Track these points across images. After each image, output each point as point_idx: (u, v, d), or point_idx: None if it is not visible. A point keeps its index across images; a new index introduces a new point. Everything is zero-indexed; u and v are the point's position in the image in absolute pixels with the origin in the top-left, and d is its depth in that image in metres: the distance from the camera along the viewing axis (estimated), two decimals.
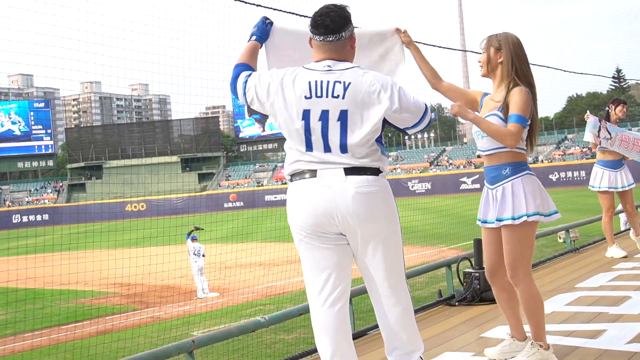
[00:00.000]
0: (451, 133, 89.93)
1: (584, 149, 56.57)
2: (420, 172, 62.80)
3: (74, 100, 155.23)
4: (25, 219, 63.19)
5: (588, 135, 7.19)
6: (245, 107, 3.29)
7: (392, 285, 3.10)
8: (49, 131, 78.21)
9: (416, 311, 5.55)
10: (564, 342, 4.19)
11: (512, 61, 3.63)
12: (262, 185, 69.39)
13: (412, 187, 57.80)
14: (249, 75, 3.15)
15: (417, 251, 16.61)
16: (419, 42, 3.90)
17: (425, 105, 3.15)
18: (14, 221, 61.48)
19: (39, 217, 63.05)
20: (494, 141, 3.63)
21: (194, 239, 16.27)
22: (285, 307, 7.24)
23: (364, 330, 4.99)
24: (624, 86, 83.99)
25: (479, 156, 3.95)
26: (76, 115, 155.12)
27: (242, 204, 61.51)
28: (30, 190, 75.87)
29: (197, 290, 15.79)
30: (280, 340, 8.70)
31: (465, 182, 54.85)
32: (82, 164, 77.69)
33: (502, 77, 3.66)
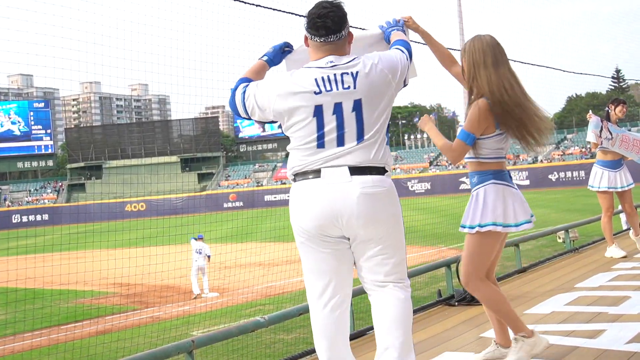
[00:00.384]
0: (450, 133, 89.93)
1: (584, 149, 56.56)
2: (419, 172, 62.82)
3: (73, 100, 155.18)
4: (25, 219, 63.18)
5: (590, 135, 7.21)
6: (245, 118, 3.21)
7: (395, 285, 3.05)
8: (48, 131, 78.20)
9: (416, 311, 5.57)
10: (563, 342, 4.19)
11: (471, 69, 3.53)
12: (261, 185, 69.38)
13: (412, 187, 57.82)
14: (247, 85, 3.10)
15: (417, 251, 16.61)
16: (418, 42, 3.90)
17: (408, 52, 3.18)
18: (13, 221, 61.44)
19: (38, 217, 63.04)
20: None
21: (199, 238, 16.29)
22: (285, 307, 7.24)
23: (363, 330, 5.00)
24: (624, 86, 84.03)
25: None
26: (76, 115, 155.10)
27: (241, 204, 61.51)
28: (30, 190, 75.85)
29: (192, 288, 15.83)
30: (279, 340, 8.69)
31: (464, 183, 54.72)
32: (81, 164, 77.69)
33: (467, 88, 3.60)
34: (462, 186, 53.96)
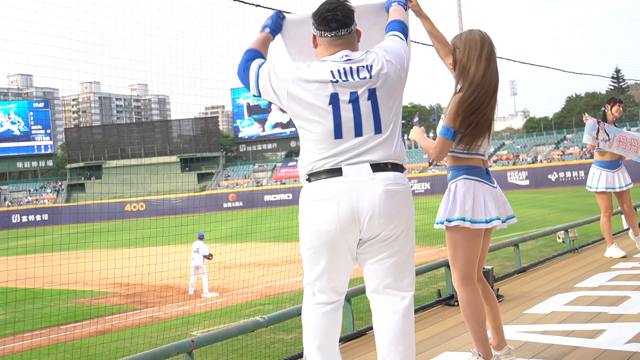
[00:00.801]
0: None
1: (583, 149, 56.58)
2: (419, 172, 62.84)
3: (73, 100, 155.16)
4: (24, 219, 63.16)
5: (586, 138, 7.21)
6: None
7: (401, 294, 2.97)
8: (48, 131, 78.20)
9: (416, 311, 5.57)
10: (563, 342, 4.19)
11: (464, 62, 3.51)
12: (261, 185, 69.38)
13: (412, 187, 57.78)
14: (262, 63, 3.02)
15: (417, 251, 16.59)
16: (418, 42, 3.90)
17: (406, 38, 3.19)
18: (13, 221, 61.44)
19: (38, 217, 63.00)
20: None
21: (200, 237, 16.33)
22: (285, 307, 7.24)
23: (363, 330, 5.00)
24: (623, 86, 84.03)
25: None
26: (75, 115, 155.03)
27: (241, 204, 61.55)
28: (29, 190, 75.86)
29: (188, 288, 15.87)
30: (279, 340, 8.70)
31: None
32: (81, 164, 77.71)
33: (455, 80, 3.59)
34: None
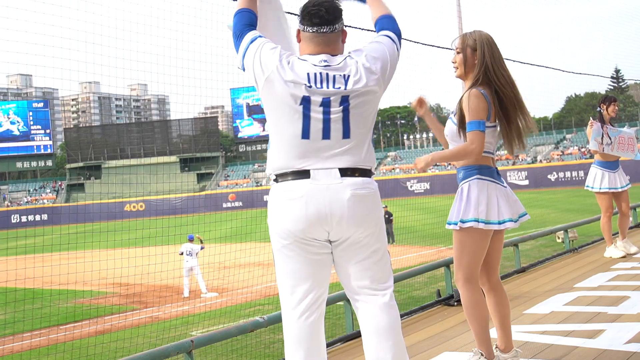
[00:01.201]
0: None
1: (583, 149, 56.59)
2: (419, 172, 62.78)
3: (72, 100, 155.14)
4: (24, 219, 63.15)
5: (593, 144, 7.22)
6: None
7: (379, 293, 2.93)
8: (47, 131, 78.22)
9: (415, 311, 5.58)
10: (562, 342, 4.19)
11: (488, 62, 3.52)
12: (260, 185, 69.38)
13: (411, 187, 57.87)
14: (254, 39, 2.96)
15: (416, 251, 16.62)
16: (417, 42, 3.89)
17: (399, 40, 3.12)
18: (12, 221, 61.45)
19: (37, 217, 62.98)
20: (452, 145, 3.64)
21: (190, 239, 16.35)
22: None
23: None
24: (623, 86, 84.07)
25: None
26: (75, 115, 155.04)
27: (240, 204, 61.51)
28: (29, 190, 75.84)
29: (183, 290, 15.90)
30: (279, 340, 8.69)
31: None
32: (80, 164, 77.71)
33: (473, 79, 3.57)
34: None
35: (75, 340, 10.81)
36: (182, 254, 16.19)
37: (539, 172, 53.72)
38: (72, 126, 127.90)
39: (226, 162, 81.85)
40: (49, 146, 77.88)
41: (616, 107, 7.45)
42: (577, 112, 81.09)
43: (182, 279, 16.10)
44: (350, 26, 3.08)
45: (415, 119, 72.41)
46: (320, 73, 2.85)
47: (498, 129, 3.60)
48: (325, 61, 2.89)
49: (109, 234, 14.29)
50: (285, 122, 2.86)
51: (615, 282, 6.07)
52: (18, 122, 76.41)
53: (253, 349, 8.32)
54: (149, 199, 55.24)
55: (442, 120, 3.90)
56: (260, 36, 2.98)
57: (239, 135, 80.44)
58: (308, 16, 2.92)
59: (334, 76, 2.86)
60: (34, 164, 78.23)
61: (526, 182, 53.18)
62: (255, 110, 76.54)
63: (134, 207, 58.54)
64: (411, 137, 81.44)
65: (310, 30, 2.93)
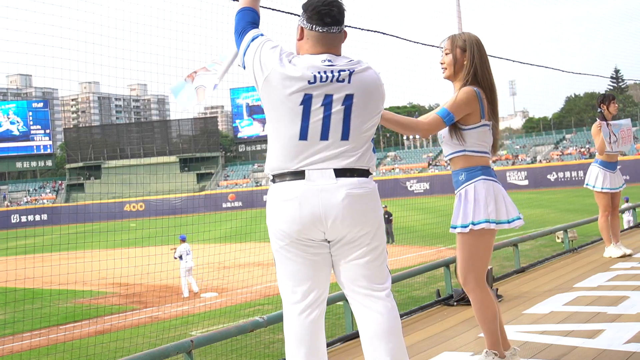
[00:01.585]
0: None
1: (582, 149, 56.62)
2: (418, 172, 62.85)
3: (72, 100, 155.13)
4: (23, 219, 63.16)
5: (607, 146, 7.20)
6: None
7: (377, 294, 2.92)
8: (47, 131, 78.21)
9: (415, 311, 5.58)
10: (562, 342, 4.20)
11: (477, 64, 3.55)
12: (260, 185, 69.38)
13: (411, 187, 57.86)
14: (255, 37, 2.94)
15: (416, 251, 16.63)
16: (417, 42, 3.90)
17: None
18: (12, 221, 61.45)
19: (37, 217, 63.00)
20: (450, 146, 3.62)
21: (183, 240, 16.36)
22: None
23: None
24: (622, 86, 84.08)
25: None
26: (75, 115, 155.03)
27: (240, 204, 61.53)
28: (28, 190, 75.84)
29: (183, 291, 15.90)
30: (278, 340, 8.70)
31: None
32: (80, 164, 77.71)
33: (462, 80, 3.58)
34: None
35: (75, 340, 10.81)
36: (180, 257, 16.17)
37: (538, 172, 53.72)
38: (71, 126, 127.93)
39: (226, 162, 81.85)
40: (48, 146, 77.88)
41: (616, 105, 7.45)
42: (576, 112, 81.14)
43: (181, 279, 16.13)
44: (349, 26, 3.05)
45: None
46: (325, 71, 2.82)
47: (488, 127, 3.59)
48: (329, 60, 2.87)
49: (109, 234, 14.27)
50: (284, 122, 2.84)
51: (615, 282, 6.07)
52: (18, 122, 76.42)
53: (253, 348, 8.33)
54: (148, 199, 55.27)
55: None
56: (261, 35, 2.96)
57: (239, 135, 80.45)
58: (318, 15, 2.89)
59: (339, 71, 2.84)
60: (33, 164, 78.23)
61: (526, 182, 53.20)
62: (255, 110, 76.53)
63: (133, 207, 58.54)
64: (411, 137, 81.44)
65: (320, 30, 2.90)
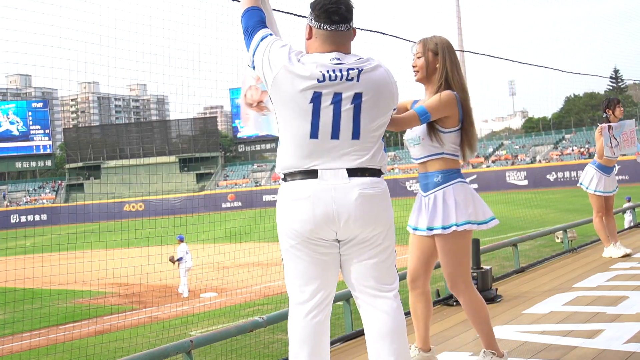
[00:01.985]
0: None
1: (582, 149, 56.62)
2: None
3: (72, 100, 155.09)
4: (23, 219, 63.12)
5: (607, 150, 7.18)
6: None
7: (384, 294, 2.93)
8: (47, 131, 78.16)
9: None
10: (561, 342, 4.20)
11: (448, 67, 3.58)
12: (260, 185, 69.39)
13: (410, 187, 57.84)
14: (264, 37, 2.93)
15: None
16: (417, 42, 3.90)
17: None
18: (12, 221, 61.42)
19: (37, 217, 62.98)
20: (426, 149, 3.63)
21: (181, 240, 16.35)
22: (283, 307, 7.24)
23: (361, 330, 4.99)
24: (622, 86, 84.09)
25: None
26: (74, 115, 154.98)
27: (240, 204, 61.53)
28: (28, 190, 75.81)
29: (183, 290, 15.91)
30: (278, 340, 8.70)
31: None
32: (80, 164, 77.67)
33: (436, 83, 3.60)
34: None
35: (74, 340, 10.81)
36: (180, 259, 16.16)
37: (537, 172, 53.72)
38: (71, 126, 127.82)
39: (225, 162, 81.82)
40: (48, 146, 77.85)
41: (622, 109, 7.44)
42: (576, 112, 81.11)
43: (181, 279, 16.12)
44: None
45: None
46: (334, 70, 2.81)
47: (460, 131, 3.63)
48: (338, 59, 2.85)
49: (109, 234, 14.28)
50: (294, 120, 2.82)
51: (614, 282, 6.07)
52: (17, 122, 76.38)
53: (252, 348, 8.33)
54: (148, 199, 55.24)
55: None
56: (270, 34, 2.96)
57: (238, 135, 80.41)
58: (326, 14, 2.88)
59: (348, 70, 2.82)
60: (33, 164, 78.20)
61: (525, 182, 53.21)
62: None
63: (133, 207, 58.50)
64: None
65: (329, 28, 2.89)
